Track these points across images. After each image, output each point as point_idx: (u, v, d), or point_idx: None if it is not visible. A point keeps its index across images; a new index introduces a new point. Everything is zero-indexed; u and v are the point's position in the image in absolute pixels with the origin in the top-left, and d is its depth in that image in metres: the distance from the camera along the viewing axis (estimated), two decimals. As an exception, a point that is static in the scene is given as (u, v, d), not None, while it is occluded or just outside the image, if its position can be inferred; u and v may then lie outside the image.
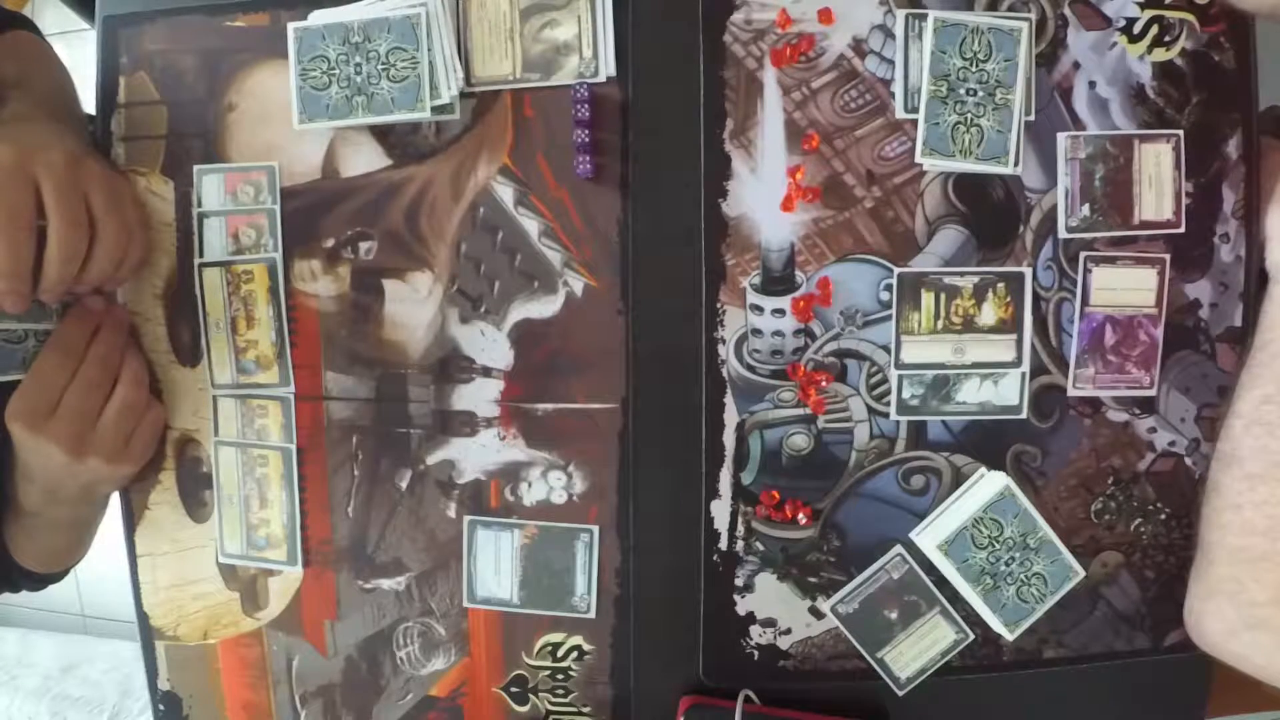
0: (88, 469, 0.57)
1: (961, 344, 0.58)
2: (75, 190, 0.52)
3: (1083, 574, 0.59)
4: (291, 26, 0.59)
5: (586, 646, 0.63)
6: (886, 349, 0.59)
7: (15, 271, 0.51)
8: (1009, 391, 0.59)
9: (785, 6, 0.57)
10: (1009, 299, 0.58)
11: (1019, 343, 0.58)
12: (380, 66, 0.58)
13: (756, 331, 0.59)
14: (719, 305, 0.59)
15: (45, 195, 0.51)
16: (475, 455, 0.62)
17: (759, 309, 0.59)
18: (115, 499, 0.65)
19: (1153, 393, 0.59)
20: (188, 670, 0.66)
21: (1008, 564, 0.58)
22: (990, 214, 0.58)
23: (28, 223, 0.51)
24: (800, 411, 0.59)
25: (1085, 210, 0.58)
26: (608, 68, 0.58)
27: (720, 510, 0.60)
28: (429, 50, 0.57)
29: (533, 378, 0.61)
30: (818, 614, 0.61)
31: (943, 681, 0.61)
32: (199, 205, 0.62)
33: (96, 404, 0.57)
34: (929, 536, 0.58)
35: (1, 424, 0.56)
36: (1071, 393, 0.59)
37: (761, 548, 0.60)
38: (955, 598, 0.59)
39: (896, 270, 0.58)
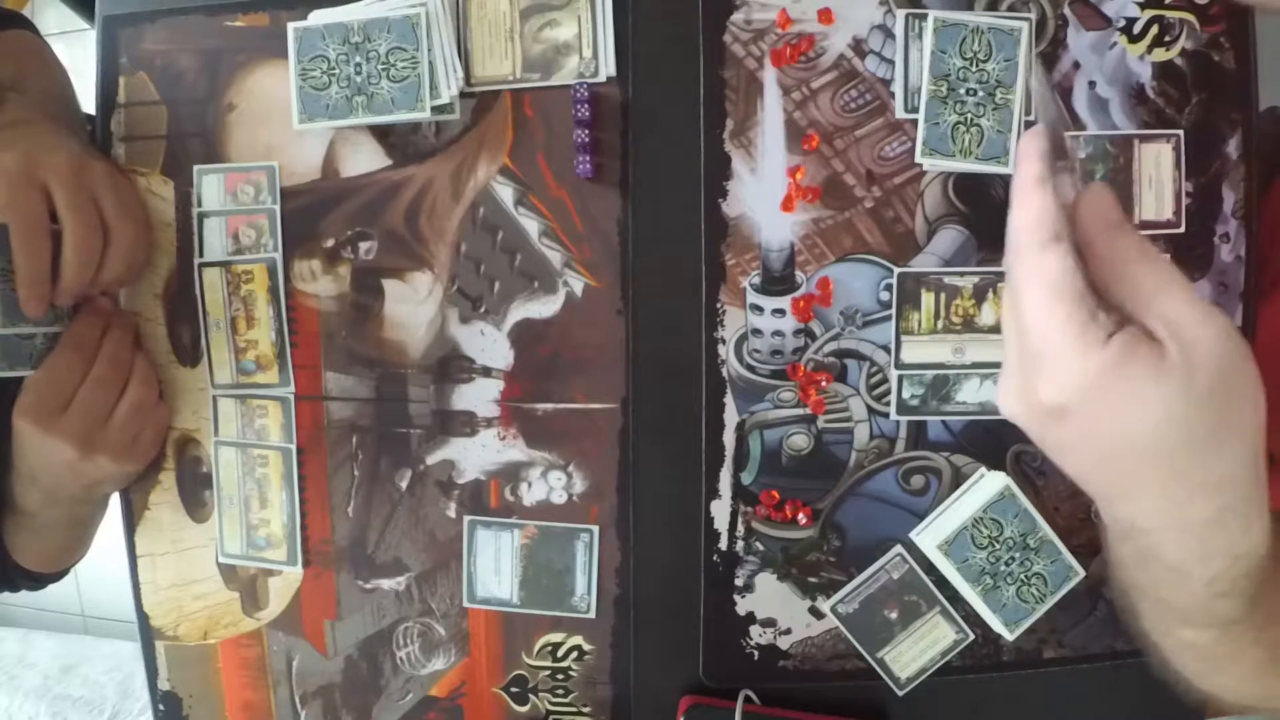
0: (95, 467, 0.57)
1: (961, 344, 0.58)
2: (85, 193, 0.53)
3: (1083, 574, 0.59)
4: (291, 26, 0.59)
5: (586, 646, 0.63)
6: (886, 349, 0.59)
7: (37, 277, 0.51)
8: (1009, 391, 0.59)
9: (785, 6, 0.57)
10: (1009, 299, 0.58)
11: (1019, 343, 0.58)
12: (380, 66, 0.58)
13: (756, 331, 0.59)
14: (719, 305, 0.59)
15: (57, 200, 0.52)
16: (475, 455, 0.62)
17: (759, 309, 0.59)
18: (115, 499, 0.65)
19: (1153, 393, 0.59)
20: (188, 670, 0.66)
21: (1008, 564, 0.58)
22: (990, 214, 0.58)
23: (44, 229, 0.51)
24: (800, 411, 0.59)
25: (1085, 210, 0.58)
26: (608, 68, 0.58)
27: (720, 510, 0.60)
28: (429, 50, 0.57)
29: (533, 378, 0.61)
30: (818, 614, 0.61)
31: (943, 681, 0.61)
32: (199, 205, 0.62)
33: (108, 402, 0.57)
34: (929, 536, 0.58)
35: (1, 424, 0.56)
36: (1071, 393, 0.59)
37: (761, 548, 0.60)
38: (955, 598, 0.59)
39: (896, 270, 0.58)
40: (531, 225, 0.60)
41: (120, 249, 0.55)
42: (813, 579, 0.61)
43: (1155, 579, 0.43)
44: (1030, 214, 0.38)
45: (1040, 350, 0.37)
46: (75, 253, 0.52)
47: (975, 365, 0.58)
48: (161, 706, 0.66)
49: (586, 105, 0.57)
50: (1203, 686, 0.48)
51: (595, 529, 0.61)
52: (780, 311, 0.59)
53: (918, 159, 0.57)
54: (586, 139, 0.57)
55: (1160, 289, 0.36)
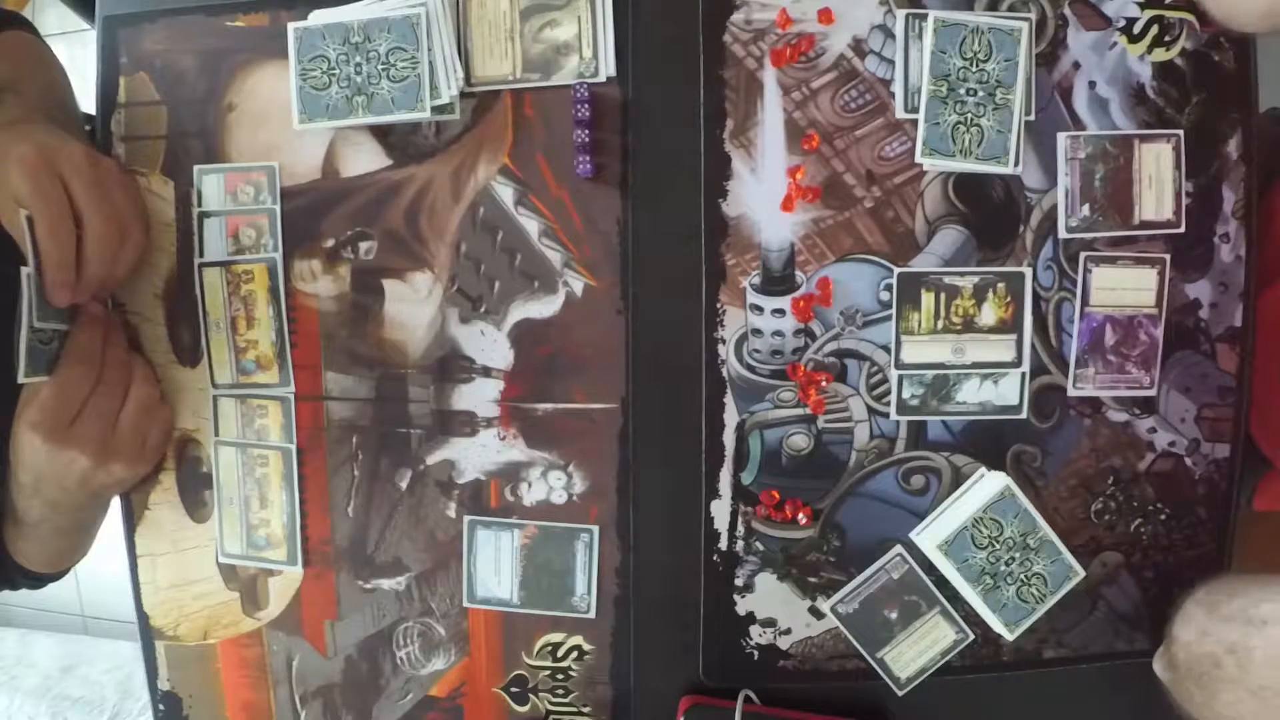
0: (108, 474, 0.56)
1: (961, 344, 0.58)
2: (103, 186, 0.53)
3: (1083, 574, 0.59)
4: (291, 26, 0.59)
5: (586, 646, 0.63)
6: (886, 349, 0.59)
7: (66, 263, 0.51)
8: (1009, 391, 0.59)
9: (785, 6, 0.57)
10: (1009, 299, 0.58)
11: (1019, 343, 0.58)
12: (380, 66, 0.58)
13: (756, 331, 0.59)
14: (719, 305, 0.59)
15: (76, 192, 0.52)
16: (475, 455, 0.62)
17: (759, 309, 0.59)
18: (115, 500, 0.65)
19: (1153, 393, 0.59)
20: (188, 670, 0.66)
21: (1008, 564, 0.58)
22: (990, 214, 0.58)
23: (69, 216, 0.52)
24: (800, 411, 0.59)
25: (1085, 210, 0.58)
26: (608, 68, 0.58)
27: (720, 510, 0.60)
28: (429, 50, 0.57)
29: (533, 378, 0.61)
30: (818, 614, 0.61)
31: (943, 681, 0.61)
32: (199, 205, 0.62)
33: (115, 407, 0.57)
34: (929, 536, 0.58)
35: None
36: (1071, 393, 0.59)
37: (761, 548, 0.60)
38: (955, 598, 0.59)
39: (896, 270, 0.58)
40: (531, 225, 0.60)
41: (133, 245, 0.56)
42: (813, 579, 0.61)
43: None
44: None
45: None
46: (98, 245, 0.53)
47: (975, 365, 0.58)
48: (161, 706, 0.66)
49: (586, 105, 0.57)
50: None
51: (595, 529, 0.61)
52: (780, 311, 0.59)
53: (918, 159, 0.57)
54: (586, 139, 0.57)
55: None
